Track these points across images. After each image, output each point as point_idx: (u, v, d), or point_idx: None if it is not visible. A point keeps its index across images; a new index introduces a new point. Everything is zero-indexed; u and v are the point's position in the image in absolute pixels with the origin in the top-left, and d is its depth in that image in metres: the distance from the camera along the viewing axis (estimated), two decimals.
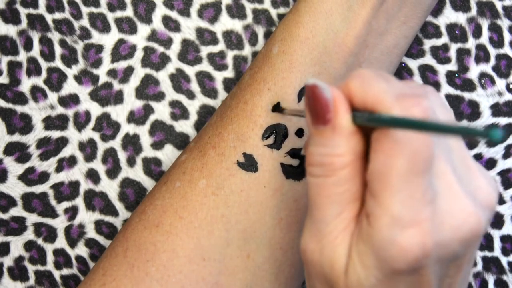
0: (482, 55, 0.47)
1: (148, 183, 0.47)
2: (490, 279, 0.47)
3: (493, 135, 0.23)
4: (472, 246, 0.29)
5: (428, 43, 0.47)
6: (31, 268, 0.47)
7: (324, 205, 0.29)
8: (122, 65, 0.47)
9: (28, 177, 0.47)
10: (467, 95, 0.47)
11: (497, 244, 0.47)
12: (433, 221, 0.27)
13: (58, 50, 0.47)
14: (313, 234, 0.30)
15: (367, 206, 0.28)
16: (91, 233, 0.47)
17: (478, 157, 0.47)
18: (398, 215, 0.27)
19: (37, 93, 0.47)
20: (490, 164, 0.47)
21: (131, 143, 0.47)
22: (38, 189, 0.47)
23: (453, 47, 0.47)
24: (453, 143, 0.29)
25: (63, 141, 0.47)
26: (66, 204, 0.47)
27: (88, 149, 0.47)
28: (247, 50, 0.48)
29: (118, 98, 0.47)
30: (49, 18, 0.47)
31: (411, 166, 0.27)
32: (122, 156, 0.47)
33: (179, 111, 0.47)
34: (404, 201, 0.27)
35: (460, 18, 0.47)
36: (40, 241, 0.47)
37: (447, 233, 0.28)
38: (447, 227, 0.28)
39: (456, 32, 0.47)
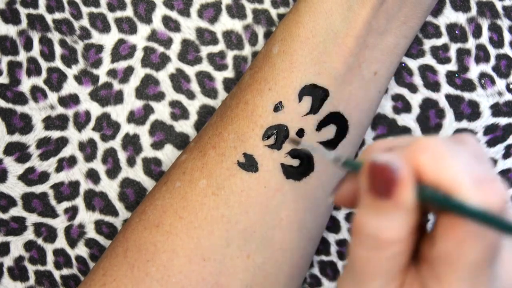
0: (482, 55, 0.47)
1: (148, 183, 0.47)
2: None
3: None
4: None
5: (428, 43, 0.47)
6: (31, 268, 0.47)
7: (372, 277, 0.28)
8: (122, 65, 0.47)
9: (28, 177, 0.47)
10: (467, 95, 0.47)
11: None
12: None
13: (58, 50, 0.47)
14: None
15: (427, 284, 0.27)
16: (91, 233, 0.47)
17: None
18: None
19: (37, 93, 0.47)
20: None
21: (131, 143, 0.47)
22: (38, 189, 0.47)
23: (453, 47, 0.47)
24: None
25: (63, 141, 0.47)
26: (66, 204, 0.47)
27: (88, 149, 0.47)
28: (247, 50, 0.48)
29: (118, 98, 0.47)
30: (49, 18, 0.47)
31: (482, 257, 0.26)
32: (122, 156, 0.47)
33: (179, 111, 0.47)
34: None
35: (460, 18, 0.47)
36: (40, 241, 0.47)
37: None
38: None
39: (456, 32, 0.47)
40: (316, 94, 0.40)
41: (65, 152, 0.47)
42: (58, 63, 0.47)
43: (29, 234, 0.47)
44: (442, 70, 0.47)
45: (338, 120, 0.40)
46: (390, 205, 0.27)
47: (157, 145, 0.47)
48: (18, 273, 0.47)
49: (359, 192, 0.28)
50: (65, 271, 0.47)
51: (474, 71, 0.47)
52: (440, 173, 0.26)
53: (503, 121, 0.47)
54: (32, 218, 0.47)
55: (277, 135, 0.40)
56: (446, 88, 0.47)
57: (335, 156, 0.32)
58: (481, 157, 0.28)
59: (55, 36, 0.47)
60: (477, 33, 0.47)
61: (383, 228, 0.27)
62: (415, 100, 0.47)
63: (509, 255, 0.28)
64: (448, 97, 0.47)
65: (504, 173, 0.47)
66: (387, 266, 0.27)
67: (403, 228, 0.27)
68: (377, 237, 0.27)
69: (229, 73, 0.48)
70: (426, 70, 0.47)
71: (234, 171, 0.39)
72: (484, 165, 0.28)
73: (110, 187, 0.47)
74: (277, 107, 0.40)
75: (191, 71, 0.48)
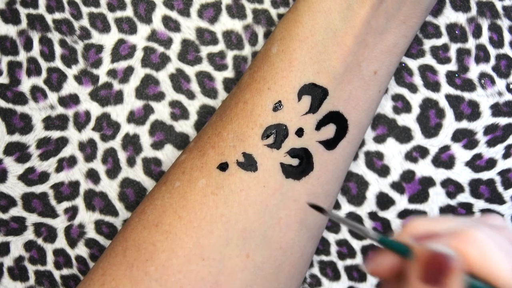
0: (482, 55, 0.47)
1: (148, 183, 0.47)
2: None
3: None
4: None
5: (428, 43, 0.47)
6: (31, 268, 0.47)
7: None
8: (122, 65, 0.48)
9: (28, 177, 0.47)
10: (467, 95, 0.47)
11: None
12: None
13: (58, 50, 0.47)
14: None
15: None
16: (91, 233, 0.47)
17: (478, 157, 0.47)
18: None
19: (37, 93, 0.47)
20: (490, 164, 0.47)
21: (131, 143, 0.47)
22: (38, 189, 0.47)
23: (453, 47, 0.47)
24: None
25: (63, 141, 0.47)
26: (66, 204, 0.47)
27: (88, 149, 0.47)
28: (247, 50, 0.48)
29: (118, 98, 0.47)
30: (49, 18, 0.47)
31: None
32: (122, 156, 0.47)
33: (179, 111, 0.47)
34: None
35: (460, 18, 0.47)
36: (40, 241, 0.47)
37: None
38: None
39: (456, 32, 0.47)
40: (315, 93, 0.40)
41: (65, 152, 0.47)
42: (58, 63, 0.47)
43: (29, 234, 0.47)
44: (442, 70, 0.47)
45: (337, 119, 0.40)
46: None
47: (157, 145, 0.47)
48: (18, 273, 0.47)
49: (406, 275, 0.29)
50: (65, 271, 0.47)
51: (474, 71, 0.47)
52: (484, 266, 0.28)
53: (503, 121, 0.47)
54: (32, 218, 0.47)
55: (276, 134, 0.40)
56: (446, 88, 0.47)
57: (372, 232, 0.33)
58: None
59: (55, 36, 0.48)
60: (477, 33, 0.47)
61: None
62: (415, 100, 0.47)
63: None
64: (448, 97, 0.47)
65: (504, 173, 0.47)
66: None
67: None
68: None
69: (229, 73, 0.48)
70: (426, 70, 0.47)
71: (233, 171, 0.39)
72: None
73: (110, 187, 0.47)
74: (276, 107, 0.40)
75: (191, 71, 0.48)
